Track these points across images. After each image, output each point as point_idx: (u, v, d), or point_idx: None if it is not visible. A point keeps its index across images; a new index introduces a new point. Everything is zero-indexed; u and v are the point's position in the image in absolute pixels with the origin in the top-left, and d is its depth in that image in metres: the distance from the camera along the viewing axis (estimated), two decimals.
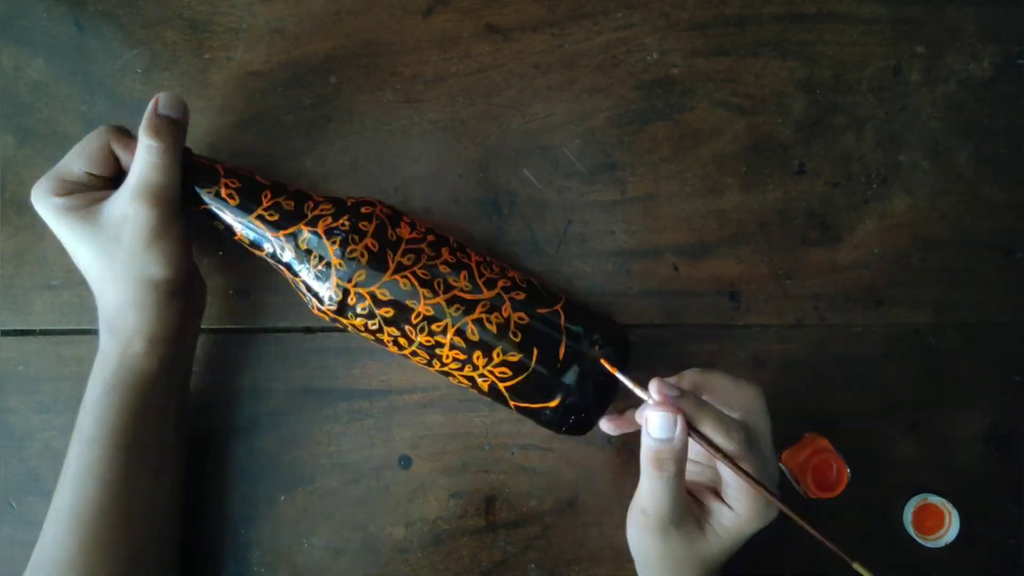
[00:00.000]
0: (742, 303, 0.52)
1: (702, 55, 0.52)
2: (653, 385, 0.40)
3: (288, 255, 0.45)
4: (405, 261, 0.45)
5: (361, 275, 0.44)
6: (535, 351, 0.46)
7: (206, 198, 0.45)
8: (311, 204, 0.46)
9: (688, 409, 0.39)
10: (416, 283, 0.45)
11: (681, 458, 0.40)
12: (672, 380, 0.42)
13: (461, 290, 0.46)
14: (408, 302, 0.45)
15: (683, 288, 0.52)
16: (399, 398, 0.52)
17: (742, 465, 0.39)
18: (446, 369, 0.46)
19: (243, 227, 0.45)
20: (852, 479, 0.48)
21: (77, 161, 0.45)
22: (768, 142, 0.52)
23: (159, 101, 0.44)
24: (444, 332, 0.45)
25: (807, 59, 0.52)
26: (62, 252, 0.52)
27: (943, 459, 0.52)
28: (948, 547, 0.49)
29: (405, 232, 0.46)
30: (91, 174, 0.45)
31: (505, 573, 0.51)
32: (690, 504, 0.42)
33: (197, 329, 0.50)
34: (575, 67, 0.52)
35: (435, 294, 0.45)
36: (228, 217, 0.45)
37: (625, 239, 0.52)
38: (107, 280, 0.45)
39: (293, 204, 0.46)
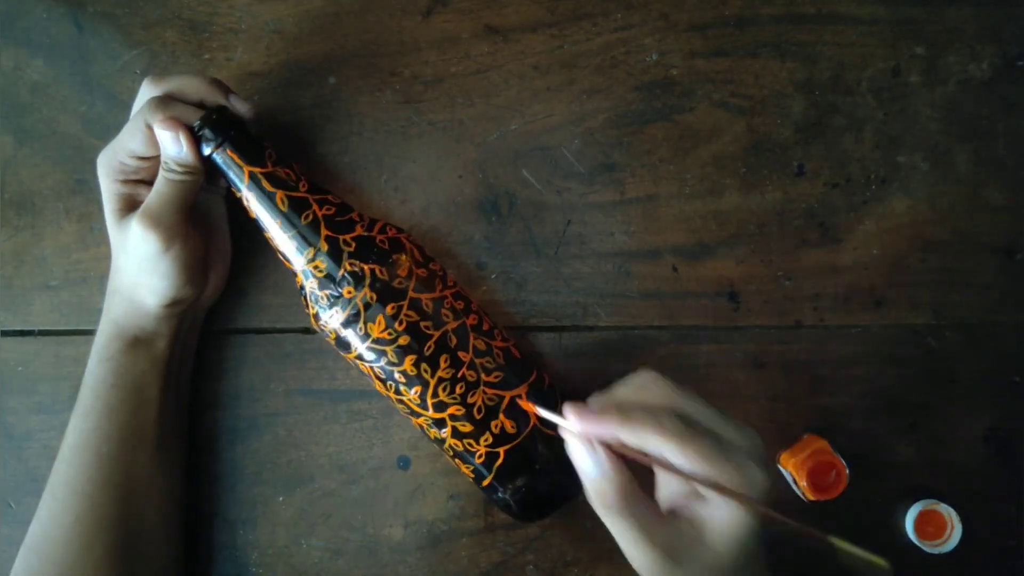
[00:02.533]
0: (741, 304, 0.52)
1: (701, 56, 0.52)
2: (568, 411, 0.36)
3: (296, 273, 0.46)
4: (366, 355, 0.45)
5: (329, 342, 0.46)
6: (465, 470, 0.47)
7: (240, 180, 0.44)
8: (311, 252, 0.44)
9: (609, 428, 0.34)
10: (371, 375, 0.46)
11: (622, 489, 0.35)
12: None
13: (409, 401, 0.46)
14: (365, 380, 0.47)
15: (682, 289, 0.52)
16: None
17: (691, 445, 0.33)
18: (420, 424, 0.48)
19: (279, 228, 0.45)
20: (851, 481, 0.48)
21: (129, 141, 0.44)
22: (767, 143, 0.52)
23: (162, 142, 0.43)
24: (398, 412, 0.47)
25: (806, 60, 0.52)
26: (61, 252, 0.52)
27: (943, 460, 0.51)
28: (957, 546, 0.49)
29: (376, 328, 0.44)
30: (139, 157, 0.44)
31: (504, 574, 0.51)
32: (676, 523, 0.36)
33: (199, 319, 0.50)
34: (574, 68, 0.52)
35: (386, 391, 0.46)
36: (262, 213, 0.45)
37: (624, 240, 0.52)
38: (115, 272, 0.47)
39: (293, 245, 0.44)
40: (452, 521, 0.51)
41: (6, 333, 0.52)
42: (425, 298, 0.45)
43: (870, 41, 0.52)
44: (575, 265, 0.52)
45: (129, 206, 0.45)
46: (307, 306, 0.46)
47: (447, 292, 0.47)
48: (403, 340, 0.44)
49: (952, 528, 0.49)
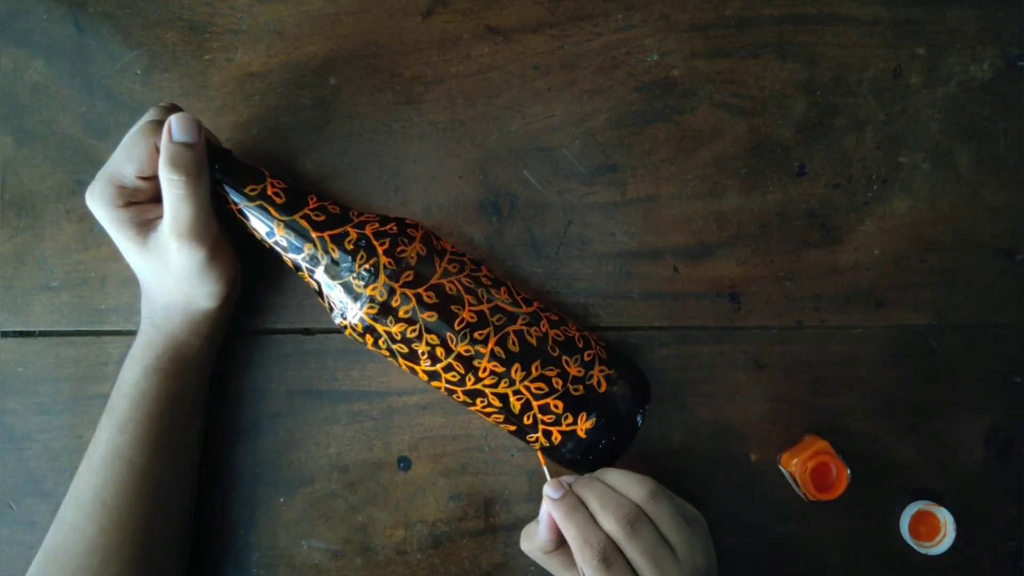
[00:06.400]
0: (742, 305, 0.52)
1: (702, 56, 0.52)
2: (549, 486, 0.43)
3: (329, 257, 0.44)
4: (451, 268, 0.45)
5: (409, 275, 0.44)
6: (573, 366, 0.46)
7: (247, 197, 0.44)
8: (355, 212, 0.46)
9: (558, 511, 0.42)
10: (461, 289, 0.45)
11: (537, 542, 0.43)
12: (568, 479, 0.44)
13: (502, 302, 0.46)
14: (453, 307, 0.44)
15: (683, 290, 0.52)
16: (398, 400, 0.51)
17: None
18: (479, 387, 0.45)
19: (286, 227, 0.44)
20: (852, 481, 0.48)
21: (126, 164, 0.43)
22: (768, 144, 0.52)
23: (171, 128, 0.42)
24: (485, 342, 0.44)
25: (807, 61, 0.52)
26: (61, 253, 0.52)
27: (943, 461, 0.51)
28: (948, 549, 0.49)
29: (447, 246, 0.47)
30: (143, 177, 0.43)
31: (505, 575, 0.51)
32: None
33: (231, 312, 0.51)
34: (575, 68, 0.52)
35: (479, 301, 0.45)
36: (268, 217, 0.44)
37: (625, 241, 0.52)
38: (156, 287, 0.46)
39: (339, 209, 0.46)
40: (453, 522, 0.51)
41: (6, 334, 0.52)
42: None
43: (871, 42, 0.52)
44: (576, 266, 0.52)
45: (142, 226, 0.44)
46: (330, 310, 0.45)
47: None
48: (469, 255, 0.47)
49: (945, 530, 0.49)
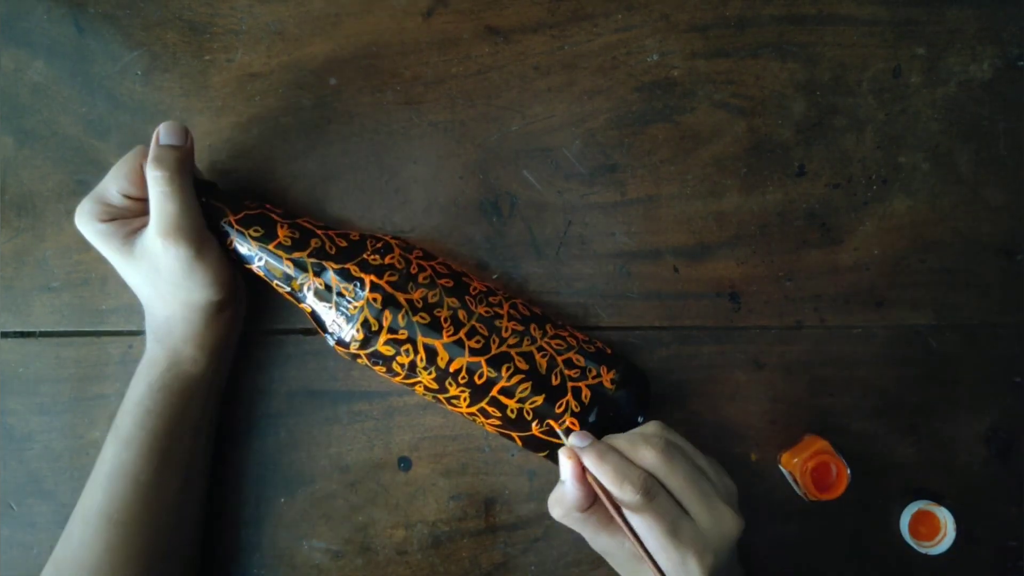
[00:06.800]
0: (742, 305, 0.52)
1: (702, 57, 0.52)
2: (574, 434, 0.41)
3: (318, 281, 0.45)
4: (437, 280, 0.47)
5: (403, 291, 0.45)
6: (580, 335, 0.48)
7: (238, 232, 0.46)
8: (334, 232, 0.47)
9: (590, 457, 0.39)
10: (449, 301, 0.46)
11: (573, 502, 0.40)
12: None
13: (489, 313, 0.46)
14: (464, 279, 0.47)
15: (683, 290, 0.52)
16: (399, 400, 0.51)
17: (643, 516, 0.38)
18: (504, 348, 0.45)
19: (270, 256, 0.46)
20: (852, 481, 0.48)
21: (113, 183, 0.45)
22: (768, 144, 0.52)
23: (159, 132, 0.44)
24: (500, 305, 0.47)
25: (807, 61, 0.52)
26: (62, 254, 0.52)
27: (943, 461, 0.52)
28: (948, 549, 0.49)
29: (423, 261, 0.48)
30: (127, 196, 0.45)
31: (505, 575, 0.51)
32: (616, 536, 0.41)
33: (238, 337, 0.50)
34: (575, 69, 0.52)
35: (470, 315, 0.46)
36: (253, 247, 0.46)
37: (625, 241, 0.52)
38: (154, 299, 0.47)
39: (322, 232, 0.47)
40: (453, 522, 0.51)
41: (7, 334, 0.52)
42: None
43: (871, 42, 0.52)
44: (576, 266, 0.52)
45: (128, 236, 0.45)
46: (323, 332, 0.46)
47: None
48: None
49: (945, 530, 0.49)
